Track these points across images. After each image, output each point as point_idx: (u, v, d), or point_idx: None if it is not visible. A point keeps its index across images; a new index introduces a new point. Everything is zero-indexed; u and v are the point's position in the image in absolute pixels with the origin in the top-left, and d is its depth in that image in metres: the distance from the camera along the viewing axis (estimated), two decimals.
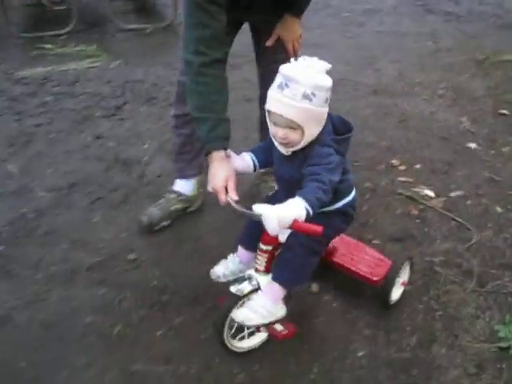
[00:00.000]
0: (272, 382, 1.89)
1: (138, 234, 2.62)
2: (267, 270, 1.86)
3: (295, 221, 1.54)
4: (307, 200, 1.57)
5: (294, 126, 1.63)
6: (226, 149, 1.91)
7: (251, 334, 2.00)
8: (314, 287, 2.28)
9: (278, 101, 1.62)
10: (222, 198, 1.82)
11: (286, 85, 1.60)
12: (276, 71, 2.37)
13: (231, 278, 2.01)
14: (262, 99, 2.57)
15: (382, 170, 3.16)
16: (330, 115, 1.72)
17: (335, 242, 2.20)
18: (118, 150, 3.37)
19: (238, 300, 1.85)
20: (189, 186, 2.71)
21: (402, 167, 3.20)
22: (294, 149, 1.71)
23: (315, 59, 1.65)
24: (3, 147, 3.41)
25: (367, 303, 2.21)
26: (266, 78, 2.45)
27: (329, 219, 1.82)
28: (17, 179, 3.07)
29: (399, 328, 2.09)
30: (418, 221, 2.72)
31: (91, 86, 4.27)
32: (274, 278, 1.85)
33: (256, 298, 1.86)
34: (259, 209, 1.58)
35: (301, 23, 2.37)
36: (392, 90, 4.23)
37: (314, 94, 1.58)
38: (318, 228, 1.55)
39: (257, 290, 1.85)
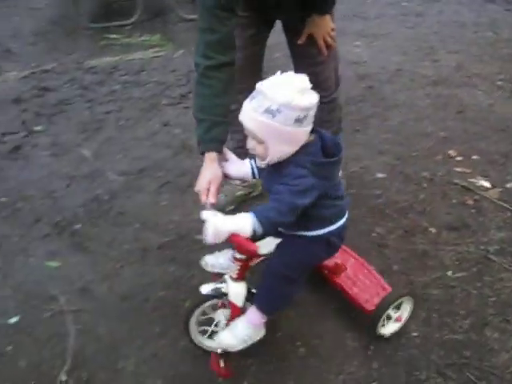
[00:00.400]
0: (331, 356, 2.02)
1: None
2: (239, 278, 1.84)
3: (233, 235, 1.54)
4: (257, 217, 1.55)
5: (257, 139, 1.60)
6: (220, 152, 1.94)
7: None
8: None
9: (244, 110, 1.60)
10: (202, 198, 1.84)
11: (254, 96, 1.58)
12: (310, 67, 2.44)
13: (216, 271, 2.05)
14: None
15: (440, 161, 3.21)
16: (321, 136, 1.66)
17: (343, 259, 2.19)
18: (184, 137, 3.53)
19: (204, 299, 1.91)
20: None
21: (459, 158, 3.24)
22: (265, 163, 1.67)
23: (292, 75, 1.57)
24: (76, 133, 3.64)
25: (422, 288, 2.29)
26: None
27: (307, 245, 1.79)
28: (90, 163, 3.29)
29: (452, 312, 2.18)
30: (473, 210, 2.77)
31: (156, 75, 4.46)
32: (256, 304, 1.86)
33: (239, 323, 1.88)
34: (205, 215, 1.59)
35: (333, 17, 2.39)
36: (450, 80, 4.23)
37: (279, 111, 1.51)
38: (252, 246, 1.55)
39: (223, 295, 1.87)
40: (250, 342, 1.89)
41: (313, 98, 1.55)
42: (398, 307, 2.09)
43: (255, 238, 1.58)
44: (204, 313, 1.98)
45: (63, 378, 2.00)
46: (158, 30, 5.27)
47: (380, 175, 3.06)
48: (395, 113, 3.72)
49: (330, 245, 1.82)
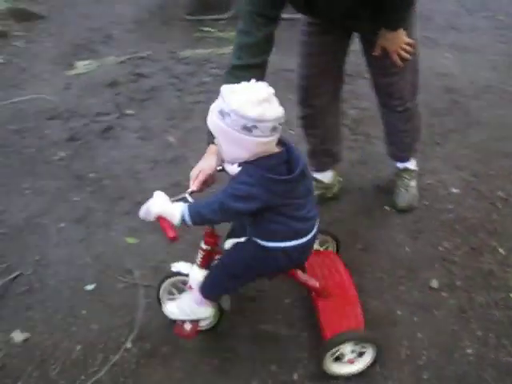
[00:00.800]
0: (380, 361, 2.08)
1: None
2: (202, 266, 2.00)
3: (160, 218, 1.72)
4: (189, 209, 1.69)
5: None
6: None
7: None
8: (434, 283, 2.42)
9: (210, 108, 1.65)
10: (190, 184, 1.98)
11: (218, 97, 1.61)
12: (384, 78, 2.53)
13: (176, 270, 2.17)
14: (380, 108, 2.76)
15: None
16: (289, 151, 1.70)
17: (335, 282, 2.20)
18: None
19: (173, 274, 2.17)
20: (327, 175, 2.95)
21: None
22: (225, 162, 1.82)
23: (258, 85, 1.61)
24: (165, 119, 3.83)
25: (483, 307, 2.31)
26: (380, 86, 2.63)
27: (259, 252, 1.83)
28: (174, 149, 3.47)
29: (511, 334, 2.19)
30: None
31: None
32: (200, 286, 2.00)
33: (184, 297, 2.10)
34: (155, 193, 1.81)
35: (411, 31, 2.39)
36: None
37: (228, 115, 1.55)
38: (170, 234, 1.69)
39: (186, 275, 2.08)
40: (193, 317, 2.08)
41: (268, 112, 1.57)
42: (360, 354, 2.02)
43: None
44: (174, 285, 2.22)
45: (128, 345, 2.18)
46: None
47: (454, 190, 3.06)
48: (478, 130, 3.68)
49: (287, 258, 1.83)
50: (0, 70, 4.80)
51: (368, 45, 2.47)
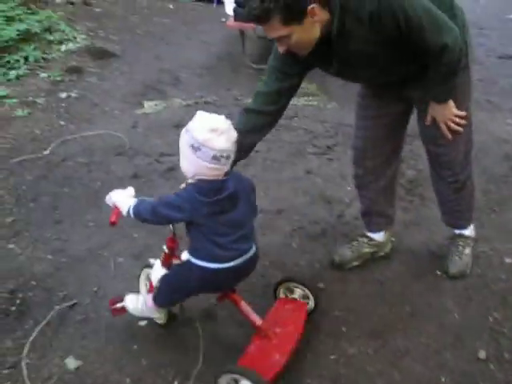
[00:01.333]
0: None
1: (329, 266, 2.94)
2: (163, 265, 2.30)
3: (115, 205, 2.11)
4: (135, 205, 2.02)
5: None
6: None
7: None
8: (482, 354, 2.40)
9: None
10: None
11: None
12: (433, 147, 2.60)
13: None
14: (430, 174, 2.82)
15: None
16: (226, 181, 1.97)
17: (284, 331, 2.31)
18: (323, 187, 3.73)
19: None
20: (379, 234, 2.99)
21: None
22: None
23: (217, 118, 1.95)
24: None
25: None
26: (430, 154, 2.67)
27: (191, 270, 2.08)
28: None
29: None
30: None
31: (307, 123, 4.70)
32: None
33: (142, 297, 2.43)
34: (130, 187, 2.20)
35: (463, 104, 2.41)
36: None
37: (186, 131, 1.93)
38: (111, 219, 2.09)
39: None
40: (145, 315, 2.44)
41: (214, 141, 1.87)
42: None
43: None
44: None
45: None
46: (315, 80, 5.48)
47: (508, 260, 3.04)
48: None
49: (204, 278, 2.07)
50: (73, 104, 5.06)
51: (420, 111, 2.53)
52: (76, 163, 4.01)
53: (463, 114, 2.41)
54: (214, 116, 1.95)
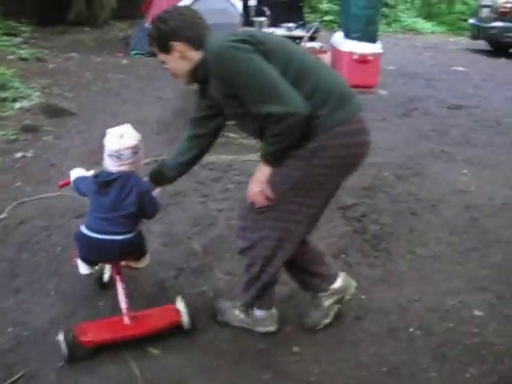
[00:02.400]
0: None
1: (301, 329, 2.87)
2: None
3: (69, 178, 2.85)
4: (75, 179, 2.82)
5: None
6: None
7: None
8: None
9: None
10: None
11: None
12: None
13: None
14: None
15: None
16: (110, 174, 2.60)
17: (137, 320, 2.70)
18: None
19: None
20: (337, 282, 2.87)
21: None
22: None
23: (116, 128, 2.66)
24: (189, 225, 3.90)
25: None
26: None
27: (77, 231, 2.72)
28: (199, 258, 3.51)
29: None
30: None
31: None
32: None
33: None
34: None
35: (275, 186, 2.39)
36: None
37: None
38: (61, 183, 3.01)
39: None
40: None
41: (109, 143, 2.59)
42: None
43: None
44: None
45: None
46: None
47: (478, 313, 3.05)
48: (498, 249, 3.72)
49: (80, 243, 2.68)
50: (29, 165, 4.95)
51: None
52: (34, 227, 3.88)
53: (269, 195, 2.40)
54: (121, 127, 2.67)
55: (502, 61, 11.73)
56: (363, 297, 3.09)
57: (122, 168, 2.57)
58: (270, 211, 2.46)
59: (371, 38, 5.35)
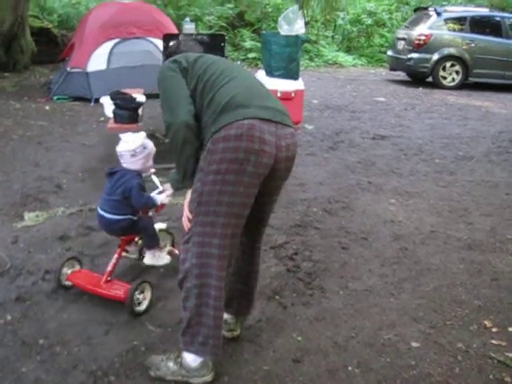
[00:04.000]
0: None
1: (241, 377, 2.77)
2: None
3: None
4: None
5: None
6: None
7: None
8: None
9: None
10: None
11: None
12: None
13: None
14: None
15: (475, 331, 3.20)
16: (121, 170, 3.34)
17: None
18: None
19: None
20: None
21: (495, 329, 3.23)
22: None
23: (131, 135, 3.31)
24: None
25: None
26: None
27: None
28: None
29: None
30: None
31: None
32: None
33: None
34: None
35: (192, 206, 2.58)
36: (484, 245, 4.29)
37: None
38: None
39: None
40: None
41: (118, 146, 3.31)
42: None
43: None
44: None
45: None
46: None
47: (414, 344, 3.05)
48: (429, 278, 3.76)
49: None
50: None
51: None
52: None
53: (189, 216, 2.61)
54: (131, 134, 3.34)
55: (420, 90, 12.20)
56: (300, 338, 3.03)
57: (125, 165, 3.30)
58: (192, 237, 2.55)
59: (293, 75, 5.41)
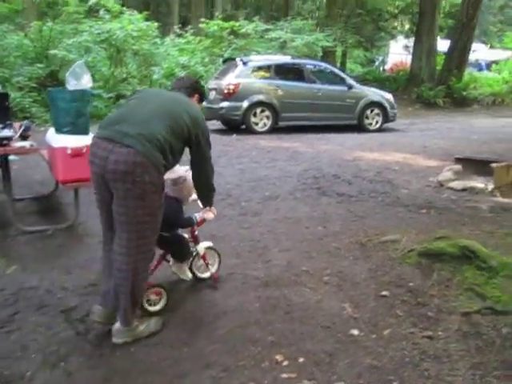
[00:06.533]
0: None
1: None
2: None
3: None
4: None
5: None
6: None
7: None
8: None
9: None
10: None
11: None
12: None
13: None
14: None
15: (266, 368, 3.23)
16: None
17: None
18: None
19: None
20: None
21: (286, 362, 3.29)
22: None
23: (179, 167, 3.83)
24: None
25: None
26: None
27: None
28: None
29: None
30: None
31: None
32: None
33: None
34: None
35: None
36: (280, 280, 4.39)
37: None
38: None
39: None
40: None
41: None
42: None
43: None
44: None
45: None
46: None
47: None
48: (225, 320, 3.77)
49: None
50: None
51: None
52: None
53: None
54: (179, 166, 3.84)
55: (234, 137, 12.58)
56: None
57: (169, 192, 3.79)
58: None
59: (83, 130, 5.26)
